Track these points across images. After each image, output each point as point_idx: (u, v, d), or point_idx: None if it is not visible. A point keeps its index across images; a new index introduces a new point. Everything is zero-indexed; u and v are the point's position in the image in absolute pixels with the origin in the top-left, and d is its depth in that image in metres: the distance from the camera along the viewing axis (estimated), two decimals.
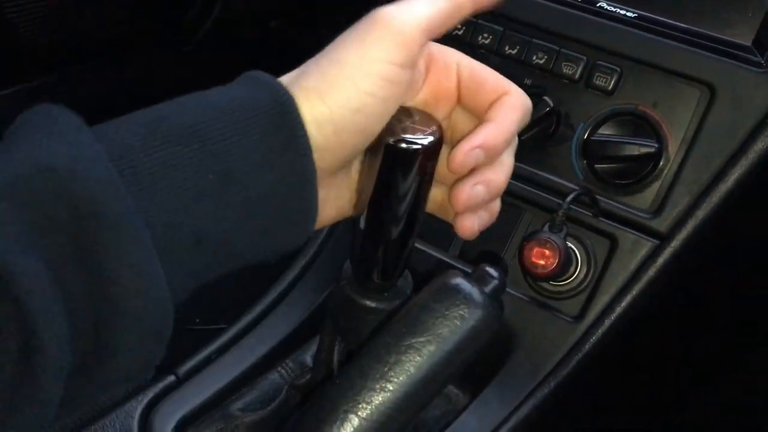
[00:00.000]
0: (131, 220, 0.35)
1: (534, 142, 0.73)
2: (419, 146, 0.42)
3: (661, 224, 0.68)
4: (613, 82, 0.70)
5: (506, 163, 0.47)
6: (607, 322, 0.68)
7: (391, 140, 0.42)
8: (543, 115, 0.71)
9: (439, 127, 0.44)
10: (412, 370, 0.42)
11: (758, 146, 0.65)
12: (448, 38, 0.76)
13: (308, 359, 0.70)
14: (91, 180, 0.34)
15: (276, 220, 0.40)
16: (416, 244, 0.75)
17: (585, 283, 0.70)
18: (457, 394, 0.70)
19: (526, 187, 0.73)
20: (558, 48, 0.72)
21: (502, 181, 0.47)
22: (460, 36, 0.76)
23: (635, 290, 0.68)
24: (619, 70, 0.70)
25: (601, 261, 0.70)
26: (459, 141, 0.46)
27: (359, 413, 0.41)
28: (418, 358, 0.42)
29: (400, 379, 0.42)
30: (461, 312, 0.43)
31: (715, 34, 0.69)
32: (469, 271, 0.48)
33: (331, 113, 0.40)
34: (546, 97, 0.72)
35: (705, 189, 0.67)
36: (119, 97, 1.28)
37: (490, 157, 0.45)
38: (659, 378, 0.91)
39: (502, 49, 0.75)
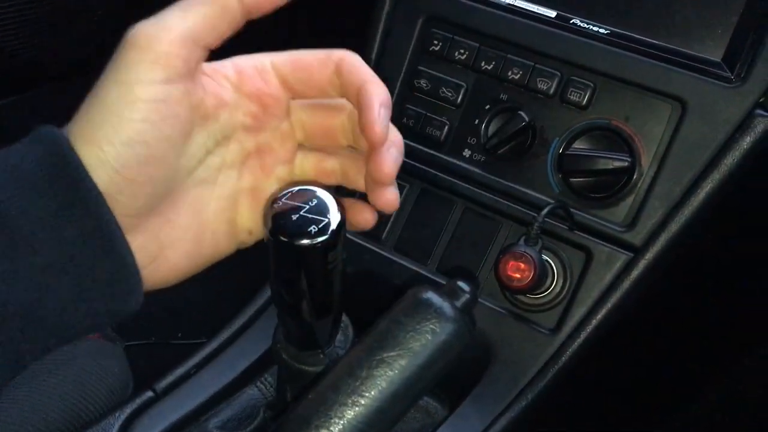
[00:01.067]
0: None
1: (510, 156, 0.74)
2: (317, 241, 0.40)
3: (635, 237, 0.69)
4: (587, 97, 0.71)
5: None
6: (584, 335, 0.69)
7: (282, 235, 0.40)
8: (519, 130, 0.72)
9: (342, 208, 0.41)
10: (383, 384, 0.42)
11: (729, 160, 0.66)
12: (426, 53, 0.78)
13: None
14: None
15: (85, 283, 0.38)
16: (394, 258, 0.76)
17: (561, 296, 0.71)
18: (435, 407, 0.71)
19: (502, 200, 0.74)
20: (533, 64, 0.73)
21: (400, 137, 0.44)
22: (437, 51, 0.77)
23: (610, 302, 0.69)
24: (592, 85, 0.71)
25: (577, 274, 0.71)
26: (316, 132, 0.45)
27: (331, 428, 0.41)
28: (389, 372, 0.42)
29: (372, 393, 0.42)
30: (432, 326, 0.43)
31: (686, 50, 0.70)
32: (444, 284, 0.48)
33: (105, 154, 0.37)
34: (521, 112, 0.73)
35: (677, 202, 0.67)
36: None
37: (390, 109, 0.43)
38: (637, 389, 0.92)
39: (477, 65, 0.75)
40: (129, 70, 0.38)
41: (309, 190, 0.42)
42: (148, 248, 0.41)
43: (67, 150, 0.37)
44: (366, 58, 0.81)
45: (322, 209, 0.41)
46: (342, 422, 0.41)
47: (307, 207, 0.41)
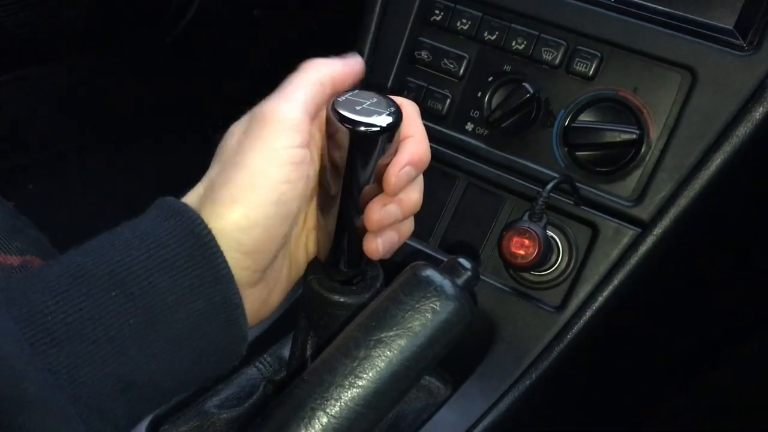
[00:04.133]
0: (48, 395, 0.36)
1: (514, 129, 0.72)
2: (378, 128, 0.42)
3: (643, 212, 0.67)
4: (593, 67, 0.69)
5: (420, 179, 0.48)
6: (589, 312, 0.67)
7: (351, 126, 0.42)
8: (523, 102, 0.70)
9: (398, 107, 0.44)
10: (382, 365, 0.41)
11: (740, 131, 0.64)
12: (427, 23, 0.75)
13: (286, 354, 0.69)
14: (3, 360, 0.35)
15: (204, 351, 0.42)
16: None
17: (566, 273, 0.69)
18: (438, 387, 0.69)
19: (506, 175, 0.72)
20: (537, 33, 0.71)
21: (417, 199, 0.48)
22: (438, 21, 0.75)
23: (617, 279, 0.67)
24: (599, 55, 0.69)
25: (583, 250, 0.69)
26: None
27: (328, 410, 0.40)
28: (388, 353, 0.41)
29: (370, 375, 0.40)
30: (432, 305, 0.41)
31: (697, 18, 0.67)
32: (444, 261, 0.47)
33: (255, 215, 0.42)
34: (526, 84, 0.70)
35: (687, 176, 0.65)
36: (103, 87, 1.26)
37: (420, 170, 0.46)
38: (642, 369, 0.90)
39: (480, 35, 0.73)
40: (274, 138, 0.43)
41: (367, 91, 0.45)
42: (261, 296, 0.45)
43: (203, 228, 0.41)
44: (365, 29, 0.79)
45: (381, 104, 0.44)
46: (339, 404, 0.40)
47: (368, 102, 0.44)
